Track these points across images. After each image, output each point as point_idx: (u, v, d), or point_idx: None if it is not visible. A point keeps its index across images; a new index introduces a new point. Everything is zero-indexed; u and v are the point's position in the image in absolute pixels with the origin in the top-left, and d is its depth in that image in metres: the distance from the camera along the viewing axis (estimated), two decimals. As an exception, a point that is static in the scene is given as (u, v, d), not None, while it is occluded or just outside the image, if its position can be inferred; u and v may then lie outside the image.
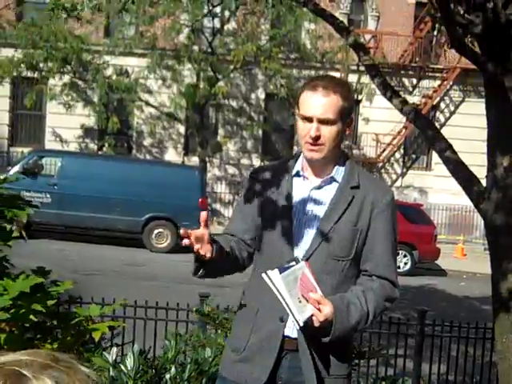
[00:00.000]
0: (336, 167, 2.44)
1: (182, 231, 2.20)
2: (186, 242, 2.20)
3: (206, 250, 2.22)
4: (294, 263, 2.26)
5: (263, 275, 2.20)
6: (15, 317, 2.09)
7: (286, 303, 2.17)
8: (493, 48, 3.69)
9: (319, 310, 2.20)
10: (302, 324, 2.18)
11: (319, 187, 2.44)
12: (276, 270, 2.18)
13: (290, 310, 2.17)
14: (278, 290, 2.17)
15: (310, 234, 2.39)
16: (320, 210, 2.41)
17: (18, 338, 2.27)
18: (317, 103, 2.33)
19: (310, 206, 2.43)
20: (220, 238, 2.41)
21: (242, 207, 2.59)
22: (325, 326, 2.23)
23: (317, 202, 2.43)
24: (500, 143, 3.90)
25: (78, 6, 5.71)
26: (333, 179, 2.43)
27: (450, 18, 3.70)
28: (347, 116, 2.38)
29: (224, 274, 2.57)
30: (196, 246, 2.20)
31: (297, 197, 2.45)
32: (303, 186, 2.46)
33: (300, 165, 2.48)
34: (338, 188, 2.42)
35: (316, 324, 2.21)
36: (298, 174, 2.48)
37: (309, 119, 2.35)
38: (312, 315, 2.20)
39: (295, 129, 2.51)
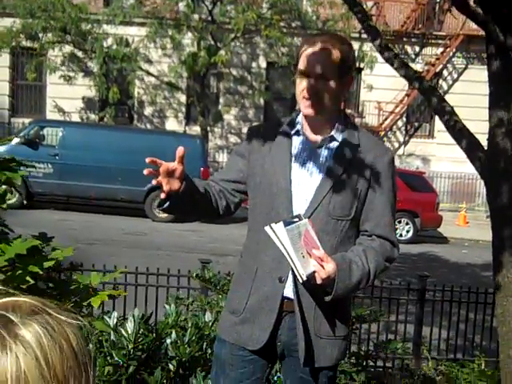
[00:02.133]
0: (336, 126, 2.40)
1: (148, 159, 2.14)
2: (153, 182, 2.18)
3: (174, 185, 2.19)
4: (297, 219, 2.20)
5: (266, 228, 2.12)
6: (11, 278, 2.08)
7: (289, 256, 2.11)
8: (495, 7, 3.63)
9: (322, 266, 2.17)
10: (305, 278, 2.13)
11: (319, 146, 2.39)
12: (281, 223, 2.11)
13: (294, 264, 2.11)
14: (281, 243, 2.10)
15: (309, 194, 2.34)
16: (319, 169, 2.36)
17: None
18: (313, 58, 2.27)
19: (309, 165, 2.37)
20: (197, 181, 2.36)
21: (236, 159, 2.52)
22: (327, 284, 2.21)
23: (316, 161, 2.38)
24: (501, 101, 3.85)
25: None
26: (333, 138, 2.39)
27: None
28: (346, 73, 2.32)
29: (193, 215, 2.62)
30: (165, 186, 2.18)
31: (296, 155, 2.40)
32: (303, 144, 2.41)
33: (300, 123, 2.43)
34: (338, 147, 2.38)
35: (318, 281, 2.18)
36: (297, 133, 2.42)
37: (306, 74, 2.30)
38: (314, 272, 2.17)
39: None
